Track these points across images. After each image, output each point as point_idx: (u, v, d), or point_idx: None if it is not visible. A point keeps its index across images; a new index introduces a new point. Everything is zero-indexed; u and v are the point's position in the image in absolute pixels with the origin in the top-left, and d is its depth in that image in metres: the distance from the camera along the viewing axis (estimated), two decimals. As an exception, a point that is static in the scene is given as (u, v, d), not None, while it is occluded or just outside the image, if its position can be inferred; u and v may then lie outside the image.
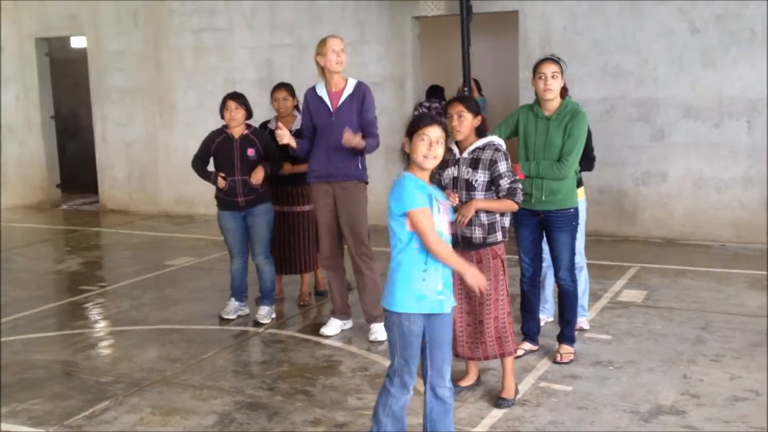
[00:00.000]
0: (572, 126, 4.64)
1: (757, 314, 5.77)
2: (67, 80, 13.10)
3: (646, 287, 6.55)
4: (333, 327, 5.61)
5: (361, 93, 5.39)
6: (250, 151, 5.71)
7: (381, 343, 5.33)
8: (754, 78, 7.83)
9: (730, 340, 5.26)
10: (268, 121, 6.32)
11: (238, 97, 5.76)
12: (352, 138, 5.16)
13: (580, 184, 5.22)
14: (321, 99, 5.42)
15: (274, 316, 5.96)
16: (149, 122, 10.85)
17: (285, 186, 6.10)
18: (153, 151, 10.86)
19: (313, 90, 5.50)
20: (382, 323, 5.44)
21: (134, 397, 4.57)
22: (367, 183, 5.57)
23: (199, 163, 5.88)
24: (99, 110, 11.13)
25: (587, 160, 5.22)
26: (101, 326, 6.11)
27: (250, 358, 5.21)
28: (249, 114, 5.81)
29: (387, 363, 4.93)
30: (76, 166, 13.07)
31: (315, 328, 5.73)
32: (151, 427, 4.17)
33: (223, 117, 5.76)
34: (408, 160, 3.43)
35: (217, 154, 5.79)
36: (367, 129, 5.38)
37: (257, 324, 5.84)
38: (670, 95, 8.18)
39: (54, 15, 11.14)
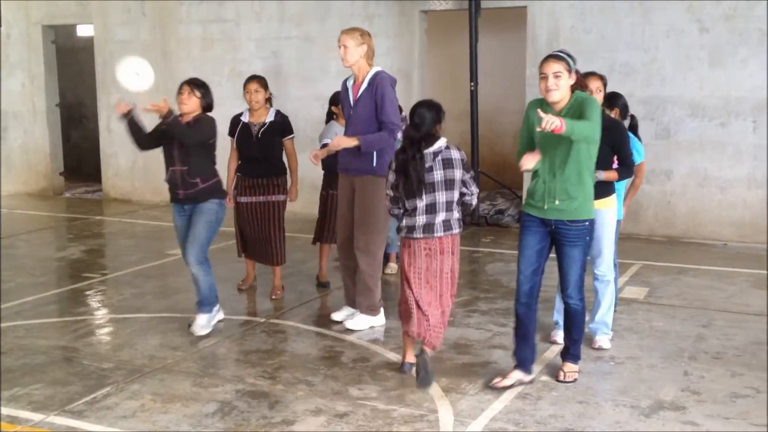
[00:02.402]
0: (583, 111, 4.15)
1: (760, 313, 5.76)
2: (72, 68, 13.10)
3: (648, 284, 6.54)
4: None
5: (376, 85, 5.27)
6: None
7: (353, 332, 5.39)
8: (761, 78, 7.82)
9: (731, 338, 5.25)
10: (240, 114, 6.19)
11: (193, 84, 5.30)
12: (340, 143, 5.26)
13: (612, 191, 4.91)
14: (347, 91, 5.47)
15: (215, 321, 5.51)
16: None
17: (260, 177, 6.05)
18: (157, 140, 10.84)
19: (344, 81, 5.57)
20: (368, 316, 5.48)
21: (135, 383, 4.57)
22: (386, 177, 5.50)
23: (141, 133, 5.26)
24: (104, 99, 11.12)
25: (625, 168, 4.89)
26: (103, 313, 6.11)
27: (251, 347, 5.21)
28: (205, 104, 5.31)
29: (387, 355, 4.94)
30: (80, 154, 13.10)
31: (317, 319, 5.74)
32: (152, 414, 4.18)
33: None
34: None
35: (160, 139, 5.30)
36: (383, 123, 5.26)
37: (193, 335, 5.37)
38: (676, 94, 8.17)
39: (61, 2, 11.14)
